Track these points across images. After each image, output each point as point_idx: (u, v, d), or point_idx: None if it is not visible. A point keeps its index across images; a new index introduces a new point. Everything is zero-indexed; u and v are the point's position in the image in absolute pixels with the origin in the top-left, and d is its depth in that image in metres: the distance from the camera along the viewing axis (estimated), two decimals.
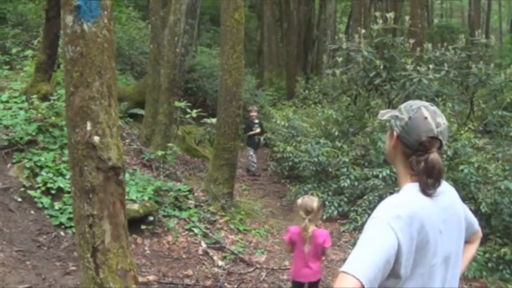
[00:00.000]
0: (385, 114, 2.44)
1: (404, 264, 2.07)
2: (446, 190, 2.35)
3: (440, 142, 2.24)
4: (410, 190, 2.24)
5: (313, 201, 5.35)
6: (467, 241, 2.54)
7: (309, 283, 5.47)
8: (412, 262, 2.11)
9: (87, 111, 3.31)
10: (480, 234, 2.68)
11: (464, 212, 2.44)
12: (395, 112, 2.37)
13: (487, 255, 7.87)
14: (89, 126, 3.30)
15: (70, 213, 6.46)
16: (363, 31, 11.32)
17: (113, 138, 3.38)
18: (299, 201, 5.45)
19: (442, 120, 2.26)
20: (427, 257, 2.15)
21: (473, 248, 2.66)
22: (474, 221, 2.59)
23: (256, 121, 13.16)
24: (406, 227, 2.07)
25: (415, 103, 2.31)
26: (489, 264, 7.81)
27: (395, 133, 2.31)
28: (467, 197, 8.33)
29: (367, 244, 2.04)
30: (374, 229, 2.08)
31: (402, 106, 2.36)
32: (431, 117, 2.23)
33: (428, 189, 2.20)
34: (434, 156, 2.21)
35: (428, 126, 2.21)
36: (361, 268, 1.95)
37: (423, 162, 2.20)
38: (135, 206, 7.14)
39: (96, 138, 3.31)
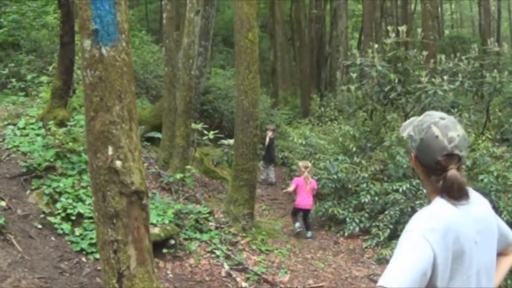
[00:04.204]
0: (405, 129, 2.41)
1: (441, 276, 2.06)
2: (478, 201, 2.32)
3: (458, 156, 2.21)
4: (441, 202, 2.21)
5: (308, 162, 9.96)
6: (502, 253, 2.49)
7: (306, 210, 9.72)
8: (449, 274, 2.09)
9: (108, 136, 3.29)
10: None
11: (496, 222, 2.39)
12: (411, 128, 2.35)
13: None
14: (110, 150, 3.28)
15: (91, 238, 6.43)
16: (375, 45, 11.31)
17: (135, 162, 3.35)
18: (300, 163, 9.99)
19: (456, 132, 2.21)
20: (463, 267, 2.13)
21: (508, 261, 2.56)
22: (509, 233, 2.50)
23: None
24: (441, 239, 2.06)
25: (426, 121, 2.28)
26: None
27: (412, 154, 2.32)
28: None
29: (403, 258, 2.03)
30: (409, 243, 2.07)
31: (416, 122, 2.34)
32: (442, 133, 2.20)
33: (454, 203, 2.18)
34: (451, 173, 2.18)
35: (440, 145, 2.18)
36: (398, 280, 1.94)
37: (442, 180, 2.19)
38: (156, 230, 7.08)
39: (118, 163, 3.29)
